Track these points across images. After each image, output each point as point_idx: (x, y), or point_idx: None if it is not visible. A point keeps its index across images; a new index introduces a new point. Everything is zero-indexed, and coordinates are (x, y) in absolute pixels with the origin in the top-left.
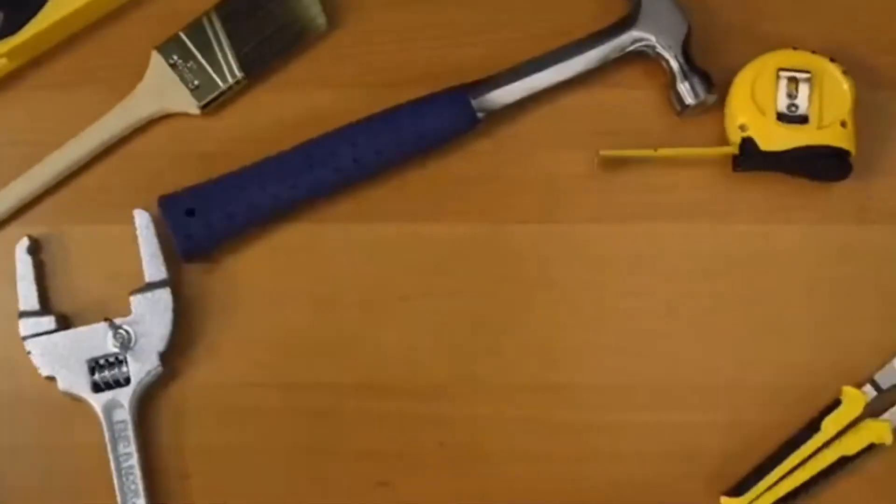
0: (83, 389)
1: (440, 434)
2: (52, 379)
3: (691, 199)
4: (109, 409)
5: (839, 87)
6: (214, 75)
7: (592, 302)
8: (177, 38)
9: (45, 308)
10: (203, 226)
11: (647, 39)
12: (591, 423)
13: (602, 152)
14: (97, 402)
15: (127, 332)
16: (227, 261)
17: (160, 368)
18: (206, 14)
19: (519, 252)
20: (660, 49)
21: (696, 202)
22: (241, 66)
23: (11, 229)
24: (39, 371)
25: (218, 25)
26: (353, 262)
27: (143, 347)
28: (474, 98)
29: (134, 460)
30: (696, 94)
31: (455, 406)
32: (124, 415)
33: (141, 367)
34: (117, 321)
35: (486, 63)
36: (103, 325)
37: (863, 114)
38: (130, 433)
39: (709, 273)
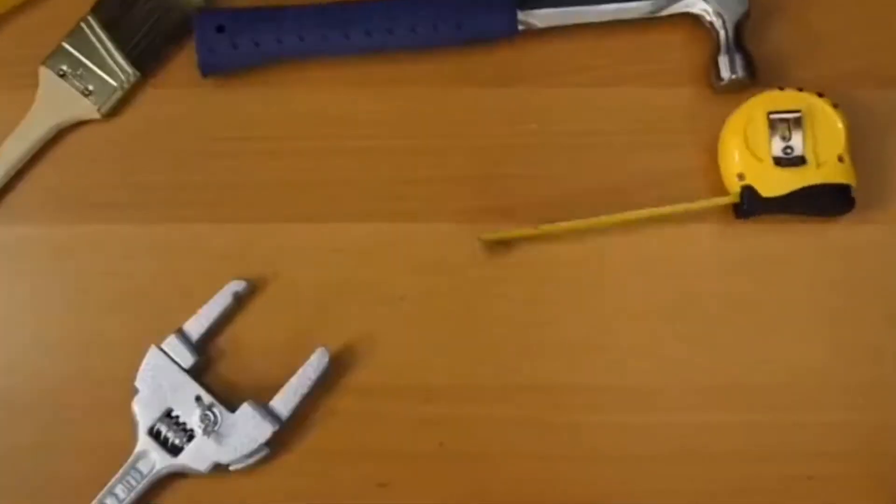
0: (143, 422)
1: (440, 434)
2: (135, 389)
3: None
4: (141, 456)
5: (832, 123)
6: (107, 77)
7: (593, 301)
8: (60, 48)
9: (199, 346)
10: (228, 45)
11: (707, 3)
12: (592, 424)
13: (482, 237)
14: (140, 441)
15: (215, 419)
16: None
17: (203, 473)
18: (84, 18)
19: (519, 251)
20: (714, 17)
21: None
22: (132, 63)
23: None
24: (137, 377)
25: (98, 27)
26: (352, 262)
27: (211, 446)
28: (521, 10)
29: None
30: (733, 69)
31: (455, 406)
32: (147, 471)
33: (195, 456)
34: (216, 406)
35: None
36: (201, 394)
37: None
38: (138, 488)
39: (713, 274)
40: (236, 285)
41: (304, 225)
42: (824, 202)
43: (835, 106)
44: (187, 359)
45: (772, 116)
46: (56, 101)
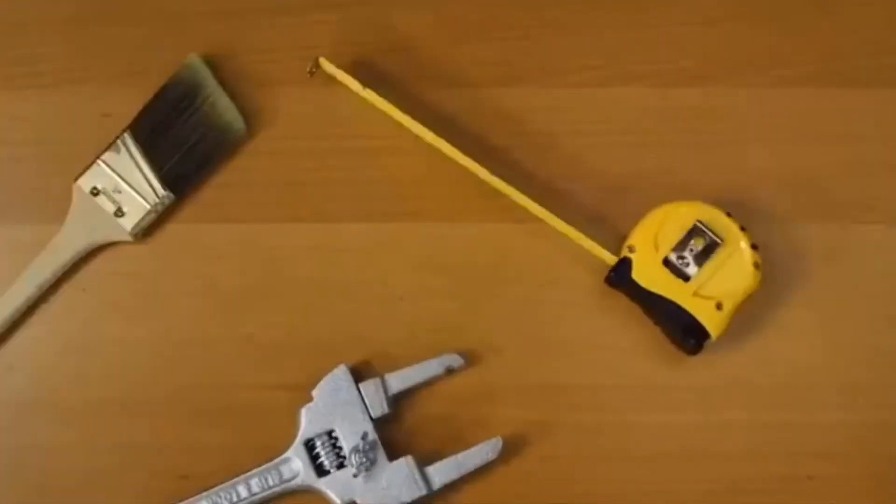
0: (304, 432)
1: (440, 434)
2: (310, 397)
3: None
4: (288, 461)
5: (741, 268)
6: (141, 199)
7: (593, 301)
8: (95, 164)
9: (391, 401)
10: None
11: None
12: (592, 424)
13: (322, 60)
14: (293, 447)
15: (372, 460)
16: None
17: (335, 502)
18: (121, 135)
19: (518, 251)
20: None
21: None
22: (165, 184)
23: None
24: (317, 387)
25: (134, 146)
26: (351, 262)
27: (356, 483)
28: None
29: (244, 499)
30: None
31: (455, 406)
32: (287, 477)
33: (337, 486)
34: (379, 448)
35: None
36: (368, 430)
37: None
38: (272, 489)
39: None
40: (452, 360)
41: (304, 225)
42: (675, 328)
43: (754, 247)
44: (378, 408)
45: (698, 224)
46: (88, 219)
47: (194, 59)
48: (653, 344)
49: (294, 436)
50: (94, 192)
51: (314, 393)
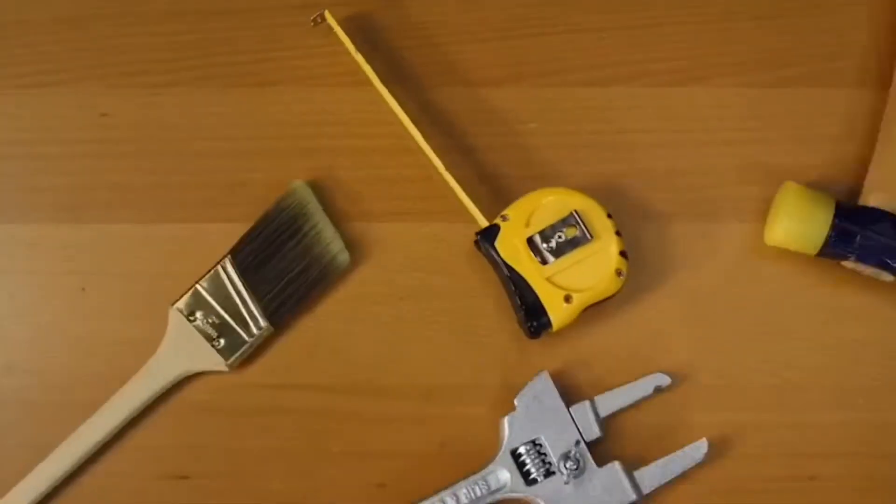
0: (509, 441)
1: (440, 434)
2: (512, 407)
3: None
4: (495, 471)
5: (602, 270)
6: (239, 329)
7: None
8: (194, 292)
9: (602, 423)
10: None
11: None
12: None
13: (327, 13)
14: (499, 457)
15: (578, 467)
16: None
17: None
18: (221, 262)
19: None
20: None
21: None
22: (266, 315)
23: None
24: (518, 397)
25: (234, 273)
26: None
27: (566, 490)
28: None
29: None
30: None
31: (455, 406)
32: (494, 487)
33: (548, 495)
34: (587, 455)
35: None
36: (575, 438)
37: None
38: (481, 499)
39: (715, 273)
40: (661, 379)
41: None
42: (522, 306)
43: (622, 254)
44: (590, 431)
45: (574, 214)
46: (184, 346)
47: (300, 186)
48: (654, 344)
49: (499, 446)
50: (192, 318)
51: (516, 402)
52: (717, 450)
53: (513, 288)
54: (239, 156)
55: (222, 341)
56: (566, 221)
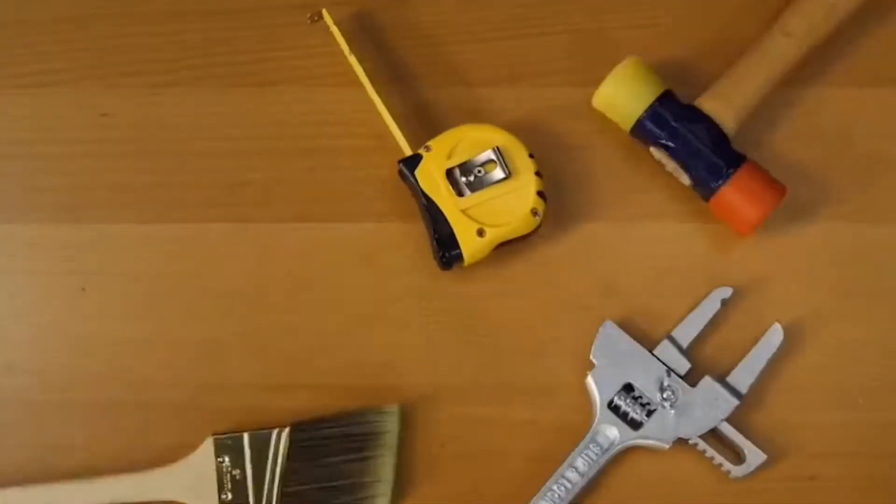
0: (601, 397)
1: (440, 434)
2: (590, 364)
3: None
4: (600, 430)
5: (518, 208)
6: (251, 495)
7: (593, 301)
8: (239, 437)
9: (688, 353)
10: None
11: None
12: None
13: (325, 12)
14: (599, 415)
15: (674, 395)
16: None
17: (665, 448)
18: (281, 430)
19: (518, 250)
20: None
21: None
22: (279, 500)
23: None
24: (592, 352)
25: (283, 448)
26: (350, 263)
27: (672, 421)
28: None
29: (580, 480)
30: None
31: (455, 406)
32: (607, 445)
33: (657, 431)
34: (677, 381)
35: None
36: (662, 370)
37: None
38: (598, 462)
39: (707, 275)
40: (723, 292)
41: (304, 225)
42: (435, 236)
43: (540, 195)
44: (681, 367)
45: (496, 150)
46: (194, 480)
47: (394, 412)
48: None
49: (592, 406)
50: (220, 460)
51: (593, 358)
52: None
53: (428, 217)
54: (239, 156)
55: (231, 498)
56: (487, 157)
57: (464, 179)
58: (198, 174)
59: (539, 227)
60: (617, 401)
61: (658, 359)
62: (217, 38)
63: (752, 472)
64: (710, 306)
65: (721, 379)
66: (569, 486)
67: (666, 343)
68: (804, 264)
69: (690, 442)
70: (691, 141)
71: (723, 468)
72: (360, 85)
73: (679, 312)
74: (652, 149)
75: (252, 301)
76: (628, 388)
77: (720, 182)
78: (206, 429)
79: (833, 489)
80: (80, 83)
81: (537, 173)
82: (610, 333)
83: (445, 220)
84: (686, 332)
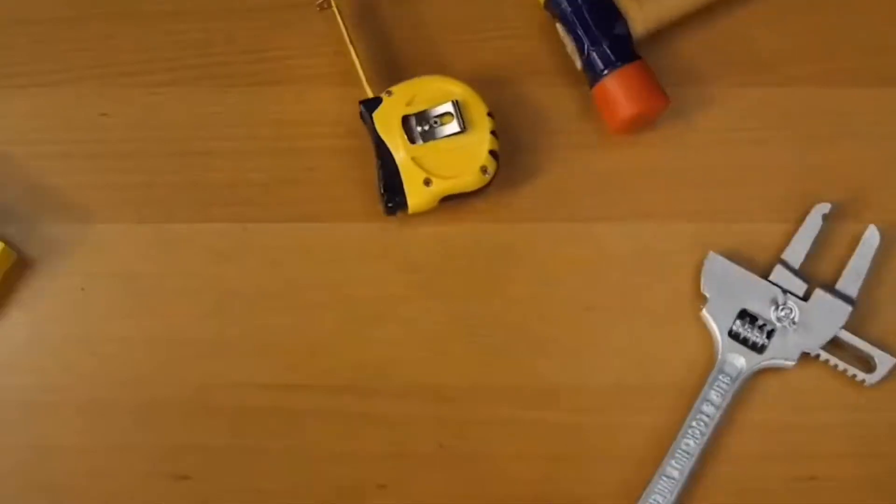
0: (720, 328)
1: (440, 435)
2: (702, 298)
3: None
4: (727, 359)
5: (468, 162)
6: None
7: (593, 301)
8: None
9: (802, 273)
10: None
11: None
12: (592, 424)
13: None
14: (721, 346)
15: (791, 312)
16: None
17: (792, 364)
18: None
19: (518, 250)
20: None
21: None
22: None
23: None
24: (702, 286)
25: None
26: (350, 263)
27: (794, 338)
28: None
29: (716, 412)
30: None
31: (454, 407)
32: (735, 374)
33: (782, 350)
34: (790, 298)
35: None
36: (775, 290)
37: None
38: (730, 391)
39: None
40: (823, 208)
41: (303, 225)
42: (383, 181)
43: (493, 154)
44: (798, 286)
45: (454, 103)
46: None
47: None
48: (654, 343)
49: (713, 338)
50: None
51: (704, 291)
52: (716, 450)
53: (378, 161)
54: (239, 156)
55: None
56: (445, 109)
57: (419, 128)
58: (198, 174)
59: (488, 185)
60: (736, 328)
61: (775, 284)
62: (217, 38)
63: (886, 378)
64: (813, 224)
65: (830, 288)
66: (707, 419)
67: (779, 267)
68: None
69: (813, 354)
70: (591, 24)
71: (856, 378)
72: (361, 85)
73: None
74: (558, 25)
75: (252, 301)
76: (744, 315)
77: (606, 71)
78: (206, 429)
79: (833, 489)
80: (79, 83)
81: (493, 132)
82: (715, 265)
83: (395, 165)
84: (795, 252)
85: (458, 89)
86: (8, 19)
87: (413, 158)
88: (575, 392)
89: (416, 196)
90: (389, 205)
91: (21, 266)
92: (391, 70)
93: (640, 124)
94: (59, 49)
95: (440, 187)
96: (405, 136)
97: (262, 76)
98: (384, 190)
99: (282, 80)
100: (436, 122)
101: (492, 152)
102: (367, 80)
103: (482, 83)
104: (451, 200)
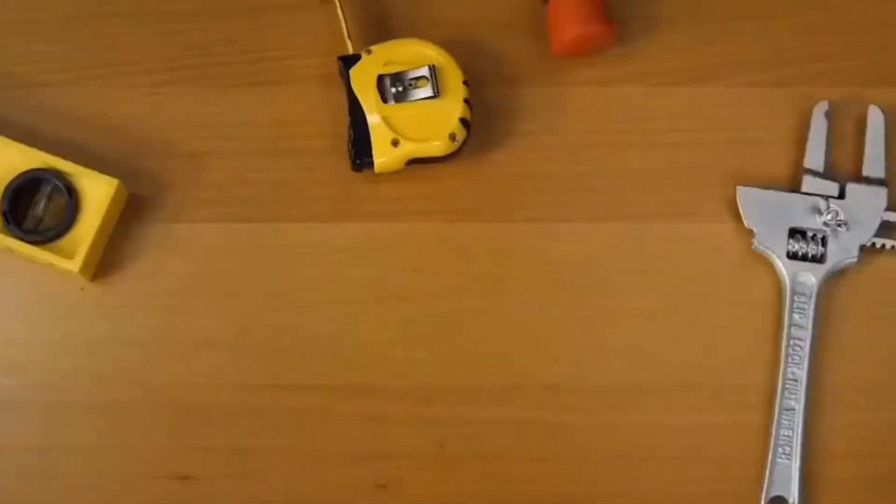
0: (777, 252)
1: (440, 435)
2: (750, 232)
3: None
4: (795, 279)
5: (438, 128)
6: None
7: (593, 301)
8: None
9: (828, 174)
10: None
11: None
12: (591, 424)
13: None
14: (786, 267)
15: (838, 213)
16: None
17: (855, 259)
18: None
19: (518, 250)
20: None
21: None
22: None
23: None
24: (745, 219)
25: None
26: (349, 263)
27: (847, 236)
28: None
29: (807, 332)
30: None
31: (455, 406)
32: (808, 291)
33: (842, 252)
34: (830, 201)
35: None
36: (813, 199)
37: None
38: (810, 307)
39: (717, 273)
40: (822, 106)
41: (304, 224)
42: (352, 137)
43: (464, 123)
44: (832, 188)
45: (430, 68)
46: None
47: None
48: (655, 343)
49: (774, 266)
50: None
51: (749, 226)
52: (715, 450)
53: (350, 118)
54: (239, 156)
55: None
56: (421, 73)
57: (393, 89)
58: (198, 173)
59: (458, 152)
60: (792, 248)
61: (810, 194)
62: (217, 38)
63: None
64: (819, 125)
65: (860, 179)
66: (801, 342)
67: (807, 177)
68: None
69: (869, 245)
70: None
71: None
72: (344, 41)
73: None
74: None
75: (252, 301)
76: (793, 233)
77: None
78: (206, 429)
79: (833, 489)
80: (80, 83)
81: (467, 101)
82: (749, 196)
83: (366, 123)
84: (815, 157)
85: (435, 54)
86: (8, 19)
87: (384, 118)
88: (576, 391)
89: (383, 155)
90: (357, 161)
91: None
92: (379, 32)
93: (586, 48)
94: (59, 49)
95: (407, 149)
96: (378, 95)
97: (262, 76)
98: (352, 146)
99: (282, 80)
100: (410, 85)
101: (462, 120)
102: (349, 36)
103: (464, 48)
104: (419, 164)
